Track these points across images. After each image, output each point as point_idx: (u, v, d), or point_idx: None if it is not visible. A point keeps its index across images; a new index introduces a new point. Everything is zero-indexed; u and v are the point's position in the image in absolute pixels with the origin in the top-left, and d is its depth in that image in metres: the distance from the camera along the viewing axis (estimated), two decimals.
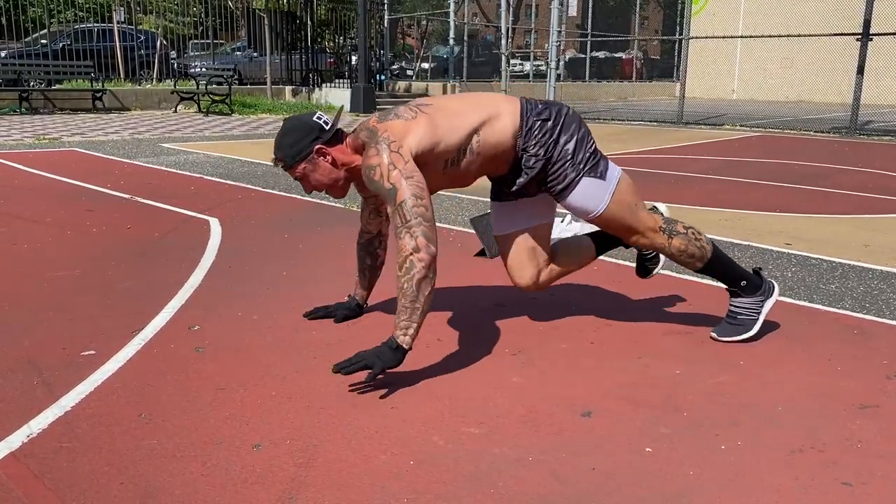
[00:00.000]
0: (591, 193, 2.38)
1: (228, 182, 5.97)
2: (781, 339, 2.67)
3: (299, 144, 2.32)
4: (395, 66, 22.68)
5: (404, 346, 2.13)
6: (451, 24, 18.27)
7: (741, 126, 12.64)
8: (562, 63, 21.42)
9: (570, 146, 2.38)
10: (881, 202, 5.59)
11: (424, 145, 2.23)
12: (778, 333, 2.72)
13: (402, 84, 18.31)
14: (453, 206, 5.19)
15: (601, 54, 27.44)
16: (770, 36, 12.46)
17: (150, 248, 3.80)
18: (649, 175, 6.80)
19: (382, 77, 18.71)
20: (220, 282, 3.24)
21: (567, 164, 2.37)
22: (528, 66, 27.13)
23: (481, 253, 3.76)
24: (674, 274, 3.51)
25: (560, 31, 14.87)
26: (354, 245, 3.97)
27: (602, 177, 2.39)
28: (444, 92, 17.09)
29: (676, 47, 27.81)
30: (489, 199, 4.69)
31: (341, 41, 20.67)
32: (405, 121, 2.26)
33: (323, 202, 5.19)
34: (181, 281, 3.23)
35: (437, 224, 4.54)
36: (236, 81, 14.96)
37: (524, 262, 2.56)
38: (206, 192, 5.52)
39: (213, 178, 6.14)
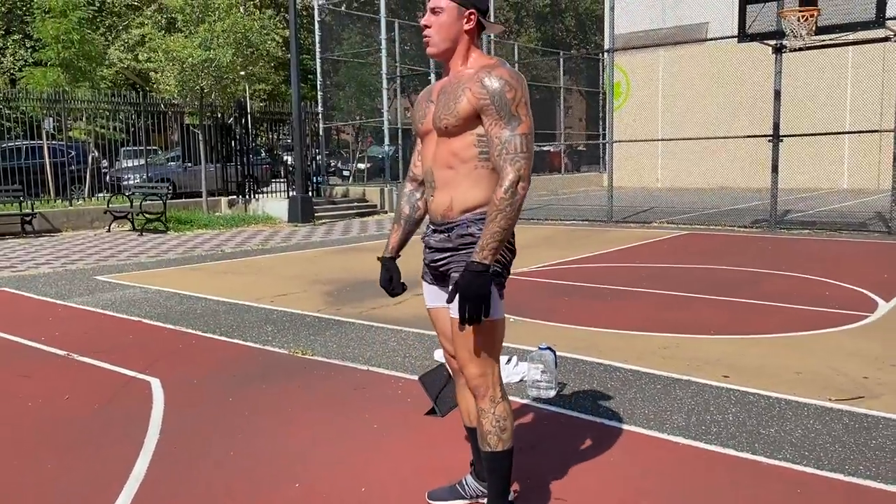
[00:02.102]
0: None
1: (167, 326, 5.86)
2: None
3: None
4: (330, 165, 22.95)
5: (485, 261, 2.24)
6: (385, 122, 18.64)
7: (668, 223, 13.15)
8: None
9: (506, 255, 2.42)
10: (807, 315, 5.85)
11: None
12: (727, 497, 2.79)
13: (339, 189, 18.52)
14: (401, 344, 5.21)
15: None
16: (687, 139, 13.27)
17: (89, 426, 3.68)
18: (587, 290, 6.98)
19: (319, 179, 18.91)
20: (167, 470, 3.15)
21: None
22: None
23: (431, 411, 3.77)
24: (647, 433, 3.58)
25: None
26: (298, 404, 3.93)
27: (501, 297, 2.41)
28: (382, 197, 17.34)
29: (601, 139, 29.06)
30: (436, 354, 4.74)
31: (275, 137, 20.83)
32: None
33: (265, 349, 5.14)
34: (125, 471, 3.13)
35: (382, 371, 4.54)
36: (170, 195, 14.85)
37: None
38: (145, 341, 5.41)
39: (151, 322, 6.03)
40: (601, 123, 28.54)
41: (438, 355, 4.80)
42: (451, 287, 2.36)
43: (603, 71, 28.85)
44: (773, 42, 11.00)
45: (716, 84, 22.90)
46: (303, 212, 14.51)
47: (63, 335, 5.63)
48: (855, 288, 6.95)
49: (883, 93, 19.34)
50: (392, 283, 2.70)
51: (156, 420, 3.76)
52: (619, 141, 13.93)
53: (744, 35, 10.67)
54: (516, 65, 25.43)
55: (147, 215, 13.19)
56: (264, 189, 17.35)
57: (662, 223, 13.16)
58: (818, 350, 4.88)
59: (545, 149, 28.48)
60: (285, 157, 29.42)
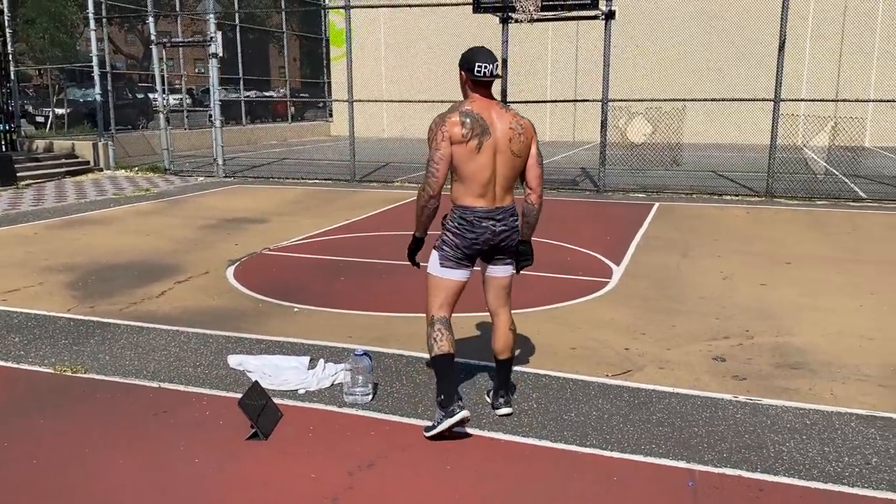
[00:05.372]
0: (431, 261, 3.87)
1: None
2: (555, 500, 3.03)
3: (462, 59, 3.62)
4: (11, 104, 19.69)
5: (416, 234, 3.84)
6: (95, 65, 16.32)
7: (408, 182, 13.62)
8: (218, 107, 20.81)
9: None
10: (560, 285, 6.50)
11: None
12: (553, 494, 3.08)
13: (40, 143, 16.24)
14: (184, 350, 4.84)
15: (253, 93, 27.38)
16: (411, 101, 14.24)
17: None
18: (359, 266, 7.00)
19: (10, 127, 16.23)
20: None
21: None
22: (172, 100, 25.90)
23: (254, 435, 3.60)
24: (469, 430, 3.74)
25: (217, 91, 14.55)
26: (98, 444, 3.53)
27: (441, 262, 3.83)
28: (96, 152, 15.58)
29: (325, 83, 28.90)
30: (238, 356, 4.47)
31: None
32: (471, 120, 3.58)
33: (21, 367, 4.47)
34: None
35: (179, 387, 4.20)
36: None
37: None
38: None
39: None
40: (325, 72, 28.32)
41: (233, 362, 4.56)
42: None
43: (325, 17, 28.51)
44: (500, 14, 11.79)
45: (435, 43, 24.04)
46: (2, 173, 12.57)
47: None
48: (589, 252, 7.85)
49: (577, 64, 22.90)
50: None
51: None
52: (359, 101, 13.99)
53: (478, 6, 11.23)
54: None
55: None
56: None
57: (404, 182, 13.58)
58: (580, 322, 5.46)
59: (267, 94, 27.70)
60: None
